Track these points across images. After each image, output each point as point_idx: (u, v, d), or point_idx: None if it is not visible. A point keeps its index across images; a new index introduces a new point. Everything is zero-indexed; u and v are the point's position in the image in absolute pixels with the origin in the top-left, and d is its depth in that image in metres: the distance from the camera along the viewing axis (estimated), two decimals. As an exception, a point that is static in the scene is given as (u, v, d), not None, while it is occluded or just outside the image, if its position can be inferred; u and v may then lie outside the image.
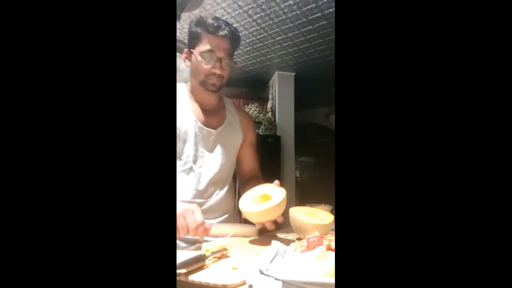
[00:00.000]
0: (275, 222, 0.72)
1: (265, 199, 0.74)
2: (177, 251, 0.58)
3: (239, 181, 1.04)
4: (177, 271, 0.44)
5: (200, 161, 0.85)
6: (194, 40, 0.83)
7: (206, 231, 0.67)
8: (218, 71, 0.82)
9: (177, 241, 0.76)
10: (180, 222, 0.65)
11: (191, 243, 0.77)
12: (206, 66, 0.81)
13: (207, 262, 0.50)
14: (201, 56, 0.81)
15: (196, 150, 0.84)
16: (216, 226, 0.73)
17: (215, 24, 0.81)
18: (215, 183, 0.88)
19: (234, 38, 0.85)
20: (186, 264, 0.46)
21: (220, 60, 0.81)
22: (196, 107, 0.88)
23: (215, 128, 0.88)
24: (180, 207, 0.67)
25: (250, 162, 1.01)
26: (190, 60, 0.86)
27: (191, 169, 0.84)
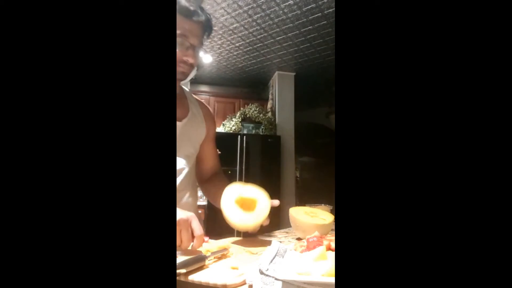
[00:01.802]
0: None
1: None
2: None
3: (199, 180, 0.93)
4: (177, 271, 0.44)
5: None
6: None
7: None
8: (190, 59, 0.73)
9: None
10: (183, 234, 0.57)
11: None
12: (177, 52, 0.73)
13: (207, 262, 0.50)
14: None
15: None
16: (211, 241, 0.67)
17: (191, 8, 0.72)
18: (184, 184, 0.80)
19: (208, 26, 0.78)
20: (186, 264, 0.46)
21: (193, 47, 0.74)
22: None
23: (179, 120, 0.80)
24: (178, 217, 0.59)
25: (212, 158, 0.93)
26: None
27: None
